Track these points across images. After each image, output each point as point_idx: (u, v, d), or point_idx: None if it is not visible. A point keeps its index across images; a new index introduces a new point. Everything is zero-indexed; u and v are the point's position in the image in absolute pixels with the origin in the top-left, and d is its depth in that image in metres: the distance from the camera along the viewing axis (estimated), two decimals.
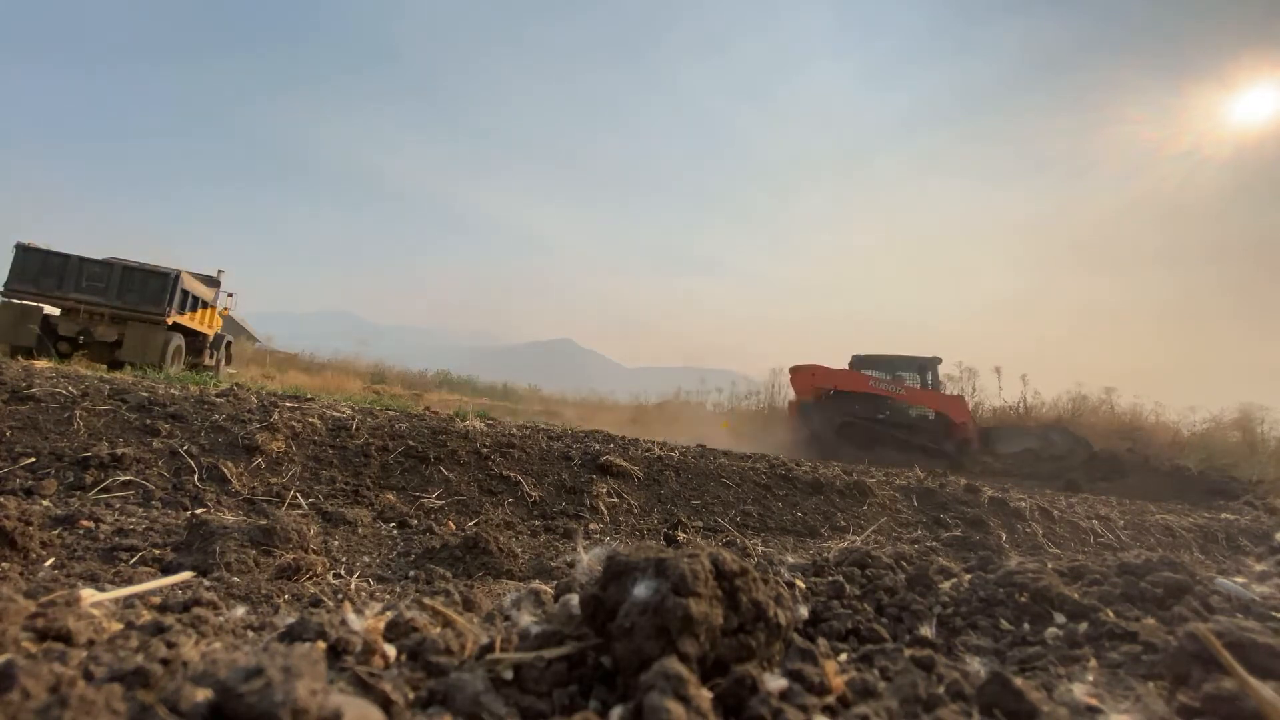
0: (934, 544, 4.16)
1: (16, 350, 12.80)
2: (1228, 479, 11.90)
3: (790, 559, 2.40)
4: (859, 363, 16.81)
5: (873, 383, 15.76)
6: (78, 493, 3.05)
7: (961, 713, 0.90)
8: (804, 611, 1.11)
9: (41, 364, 7.71)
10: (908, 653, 1.17)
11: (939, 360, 16.36)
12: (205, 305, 16.30)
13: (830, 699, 0.90)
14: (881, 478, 6.28)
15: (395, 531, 3.26)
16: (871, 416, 15.45)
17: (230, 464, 3.60)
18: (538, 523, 3.84)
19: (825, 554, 2.50)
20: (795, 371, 16.63)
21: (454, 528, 3.47)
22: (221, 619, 1.39)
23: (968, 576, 1.58)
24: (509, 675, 0.91)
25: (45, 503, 2.84)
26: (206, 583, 1.92)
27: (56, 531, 2.37)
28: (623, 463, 4.68)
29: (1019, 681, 0.93)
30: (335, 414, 4.76)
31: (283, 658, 0.73)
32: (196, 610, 1.41)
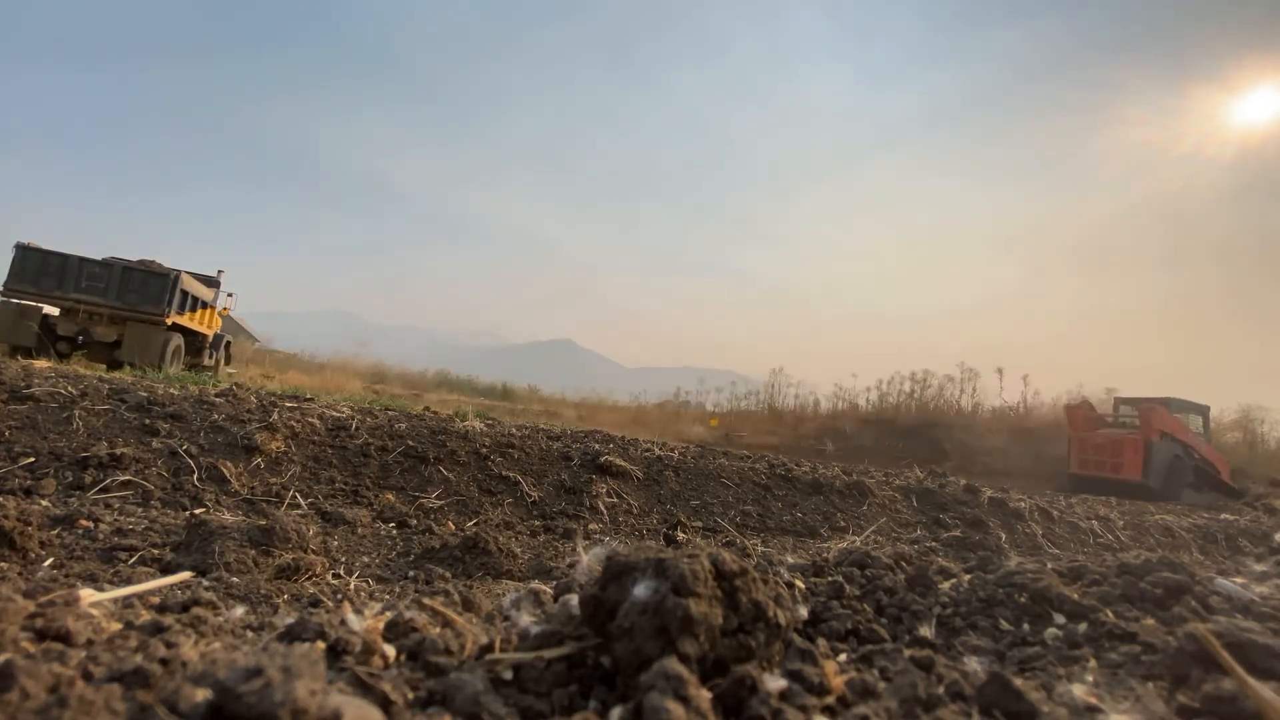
0: (934, 544, 4.16)
1: (16, 350, 12.77)
2: None
3: (790, 559, 2.40)
4: None
5: None
6: (77, 493, 3.04)
7: (961, 713, 0.90)
8: (804, 612, 1.11)
9: (41, 364, 7.70)
10: (907, 653, 1.17)
11: None
12: (205, 305, 16.28)
13: (830, 699, 0.90)
14: (881, 478, 6.28)
15: (395, 531, 3.26)
16: None
17: (230, 464, 3.60)
18: (537, 523, 3.84)
19: (825, 554, 2.50)
20: None
21: (453, 528, 3.47)
22: (221, 619, 1.39)
23: (967, 577, 1.57)
24: (509, 675, 0.90)
25: (44, 503, 2.84)
26: (206, 583, 1.92)
27: (56, 531, 2.37)
28: (622, 463, 4.68)
29: (1019, 682, 0.93)
30: (335, 414, 4.76)
31: (282, 658, 0.73)
32: (196, 610, 1.41)
